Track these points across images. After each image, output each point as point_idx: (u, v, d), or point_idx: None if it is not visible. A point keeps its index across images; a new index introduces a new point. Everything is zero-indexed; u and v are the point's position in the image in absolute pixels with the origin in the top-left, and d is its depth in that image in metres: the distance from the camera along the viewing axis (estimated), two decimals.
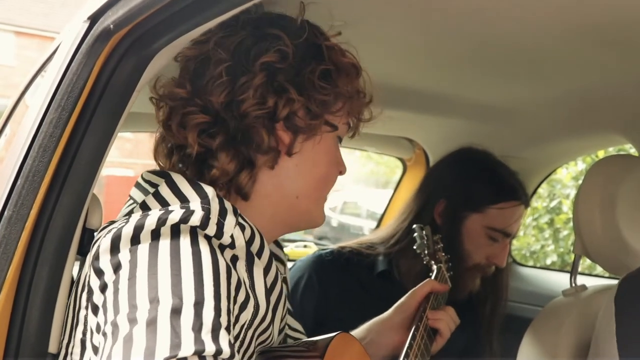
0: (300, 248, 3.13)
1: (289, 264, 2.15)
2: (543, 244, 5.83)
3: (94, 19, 0.95)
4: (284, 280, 1.19)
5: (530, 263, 5.41)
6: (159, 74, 1.05)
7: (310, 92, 1.05)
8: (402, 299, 1.54)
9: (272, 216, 1.09)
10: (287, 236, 3.70)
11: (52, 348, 0.96)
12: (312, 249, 2.59)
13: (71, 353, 0.93)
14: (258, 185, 1.07)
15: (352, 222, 10.49)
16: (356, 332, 1.49)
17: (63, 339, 0.97)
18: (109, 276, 0.86)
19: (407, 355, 1.37)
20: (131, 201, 1.03)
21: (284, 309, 1.14)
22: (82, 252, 1.02)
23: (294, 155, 1.07)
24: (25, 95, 1.73)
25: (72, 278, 1.02)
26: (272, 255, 1.09)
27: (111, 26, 0.90)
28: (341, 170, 1.17)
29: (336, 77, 1.08)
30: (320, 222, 1.16)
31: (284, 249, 1.29)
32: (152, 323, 0.76)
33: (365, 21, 1.36)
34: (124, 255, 0.86)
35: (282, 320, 1.12)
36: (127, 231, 0.88)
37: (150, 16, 0.90)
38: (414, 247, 1.71)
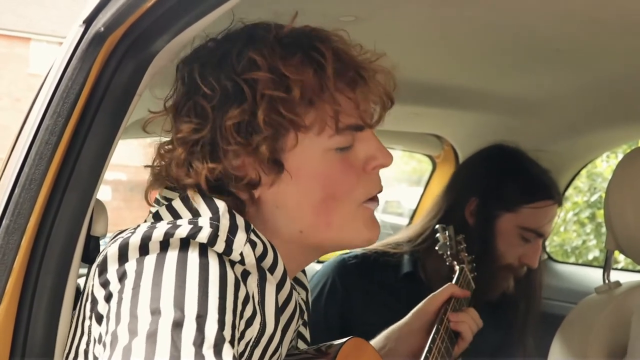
0: None
1: (318, 266, 2.12)
2: (585, 239, 5.71)
3: (88, 22, 0.92)
4: (304, 303, 1.14)
5: (572, 259, 5.30)
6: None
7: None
8: (421, 304, 1.49)
9: (294, 251, 1.01)
10: None
11: (57, 359, 0.95)
12: None
13: None
14: (261, 224, 0.98)
15: (394, 221, 10.40)
16: (375, 341, 1.44)
17: (65, 350, 0.95)
18: (114, 285, 0.84)
19: (426, 358, 1.33)
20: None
21: (295, 332, 1.09)
22: (88, 260, 1.00)
23: (271, 192, 0.97)
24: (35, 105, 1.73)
25: (79, 287, 1.00)
26: (293, 280, 1.04)
27: (102, 29, 0.88)
28: (369, 166, 1.02)
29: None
30: (361, 242, 1.06)
31: None
32: (152, 335, 0.74)
33: (377, 15, 1.32)
34: (131, 265, 0.84)
35: (290, 342, 1.08)
36: (135, 240, 0.85)
37: (141, 17, 0.88)
38: (436, 248, 1.67)
